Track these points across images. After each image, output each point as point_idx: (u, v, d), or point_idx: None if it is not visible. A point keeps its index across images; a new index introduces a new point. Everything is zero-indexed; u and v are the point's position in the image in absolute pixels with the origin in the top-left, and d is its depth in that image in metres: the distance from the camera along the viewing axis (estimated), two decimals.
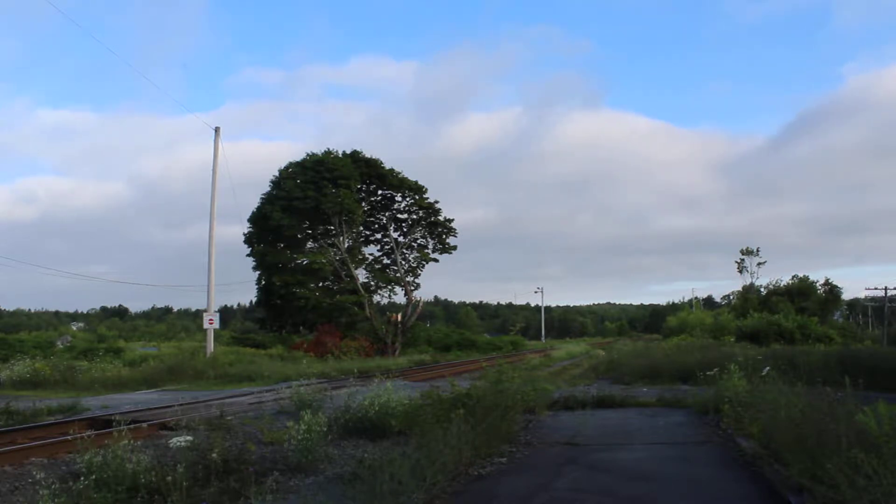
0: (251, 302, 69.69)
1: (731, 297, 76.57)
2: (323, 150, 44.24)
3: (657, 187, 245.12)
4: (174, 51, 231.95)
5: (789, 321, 39.80)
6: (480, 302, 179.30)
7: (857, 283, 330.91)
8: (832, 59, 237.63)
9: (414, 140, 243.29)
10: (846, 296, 71.75)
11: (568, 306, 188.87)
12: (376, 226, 47.54)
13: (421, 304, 46.67)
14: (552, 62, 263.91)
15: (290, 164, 43.65)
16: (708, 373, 13.50)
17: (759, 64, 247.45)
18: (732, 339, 32.82)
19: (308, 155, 43.83)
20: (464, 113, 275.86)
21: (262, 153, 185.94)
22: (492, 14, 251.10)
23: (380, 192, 46.58)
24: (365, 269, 46.03)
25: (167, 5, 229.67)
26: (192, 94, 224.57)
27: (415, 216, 46.73)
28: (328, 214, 41.44)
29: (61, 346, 42.60)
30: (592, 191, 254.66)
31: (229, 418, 11.35)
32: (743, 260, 64.67)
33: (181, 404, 13.11)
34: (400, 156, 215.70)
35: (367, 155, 45.04)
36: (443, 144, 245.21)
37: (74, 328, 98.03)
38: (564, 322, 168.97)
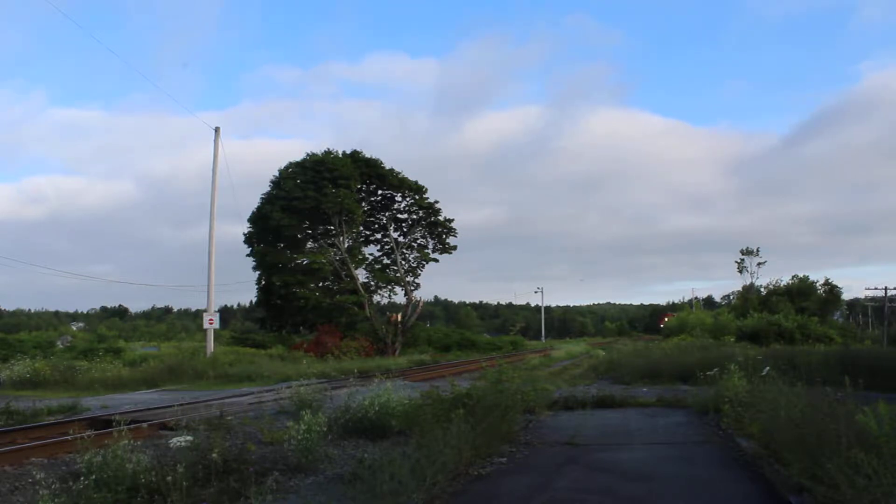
0: (251, 302, 69.91)
1: (732, 297, 76.78)
2: (323, 150, 44.35)
3: (667, 187, 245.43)
4: (189, 49, 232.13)
5: (789, 321, 39.81)
6: (480, 302, 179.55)
7: (858, 283, 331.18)
8: (850, 56, 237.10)
9: (428, 138, 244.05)
10: (847, 296, 72.00)
11: (568, 306, 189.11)
12: (376, 226, 47.55)
13: (421, 304, 46.66)
14: (569, 59, 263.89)
15: (290, 164, 43.66)
16: (708, 373, 13.47)
17: (776, 62, 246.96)
18: (732, 339, 32.79)
19: (308, 155, 43.90)
20: (480, 111, 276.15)
21: (276, 151, 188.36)
22: (503, 10, 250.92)
23: (380, 192, 46.58)
24: (365, 269, 46.05)
25: (183, 3, 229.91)
26: (208, 92, 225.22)
27: (415, 216, 46.76)
28: (328, 214, 41.44)
29: (61, 346, 42.60)
30: (602, 190, 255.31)
31: (229, 418, 11.36)
32: (743, 260, 64.79)
33: (181, 404, 13.11)
34: (414, 154, 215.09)
35: (371, 154, 45.22)
36: (457, 143, 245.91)
37: (74, 328, 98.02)
38: (564, 322, 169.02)
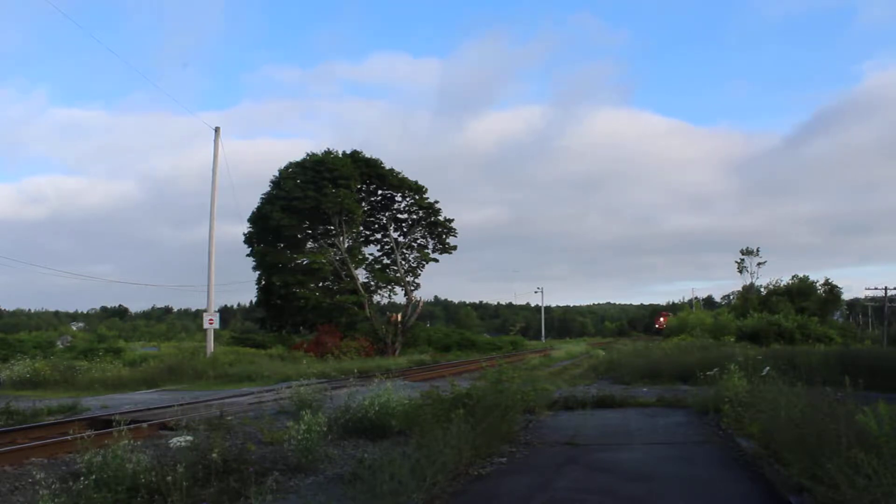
0: (251, 302, 69.92)
1: (732, 297, 76.75)
2: (323, 150, 44.35)
3: (668, 186, 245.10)
4: (190, 49, 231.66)
5: (789, 321, 39.81)
6: (480, 302, 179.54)
7: (858, 282, 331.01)
8: (851, 56, 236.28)
9: (430, 138, 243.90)
10: (847, 296, 71.97)
11: (568, 306, 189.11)
12: (376, 226, 47.56)
13: (421, 304, 46.65)
14: (572, 59, 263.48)
15: (290, 164, 43.68)
16: (708, 373, 13.48)
17: (777, 62, 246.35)
18: (732, 339, 32.81)
19: (308, 155, 43.93)
20: (482, 111, 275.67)
21: (276, 151, 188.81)
22: (505, 10, 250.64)
23: (380, 192, 46.59)
24: (365, 269, 46.05)
25: (183, 3, 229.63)
26: (209, 92, 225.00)
27: (415, 216, 46.77)
28: (328, 214, 41.45)
29: (61, 346, 42.57)
30: (602, 190, 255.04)
31: (229, 418, 11.36)
32: (743, 260, 64.77)
33: (181, 404, 13.12)
34: (415, 154, 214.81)
35: (371, 154, 45.25)
36: (459, 143, 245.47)
37: (74, 328, 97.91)
38: (564, 322, 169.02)
